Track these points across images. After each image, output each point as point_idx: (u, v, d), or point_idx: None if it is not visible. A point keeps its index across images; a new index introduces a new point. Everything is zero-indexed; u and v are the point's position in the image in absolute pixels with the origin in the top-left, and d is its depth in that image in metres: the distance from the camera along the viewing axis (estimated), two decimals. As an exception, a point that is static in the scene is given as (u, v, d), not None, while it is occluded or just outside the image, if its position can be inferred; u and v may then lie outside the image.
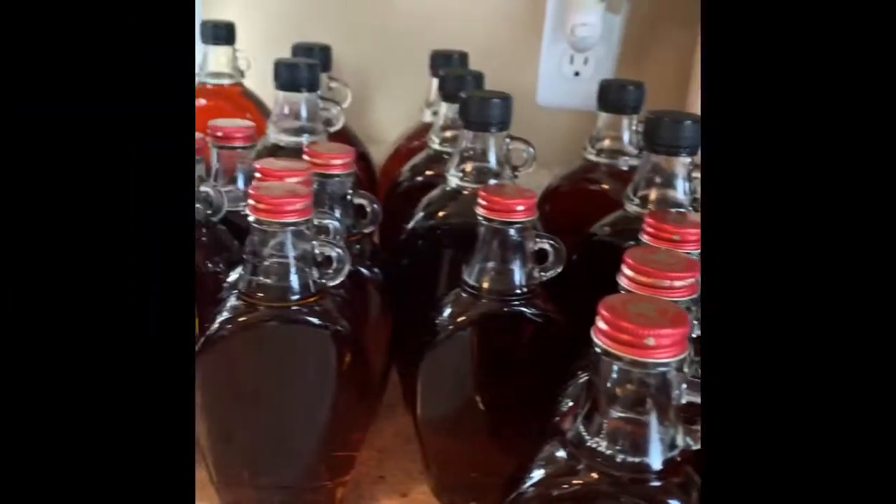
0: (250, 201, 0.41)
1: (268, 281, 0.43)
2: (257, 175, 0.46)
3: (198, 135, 0.53)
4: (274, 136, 0.60)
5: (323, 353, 0.44)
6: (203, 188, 0.52)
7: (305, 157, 0.50)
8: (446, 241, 0.53)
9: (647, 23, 0.76)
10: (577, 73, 0.78)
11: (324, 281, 0.44)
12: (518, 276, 0.45)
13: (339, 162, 0.49)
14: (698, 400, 0.30)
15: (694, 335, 0.36)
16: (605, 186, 0.60)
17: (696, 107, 0.70)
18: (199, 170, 0.54)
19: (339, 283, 0.45)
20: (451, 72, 0.61)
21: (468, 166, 0.52)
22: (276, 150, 0.60)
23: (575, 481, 0.31)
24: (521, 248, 0.45)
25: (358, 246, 0.53)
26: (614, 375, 0.30)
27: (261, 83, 0.74)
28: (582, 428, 0.31)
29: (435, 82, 0.68)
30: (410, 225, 0.54)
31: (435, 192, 0.55)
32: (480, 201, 0.44)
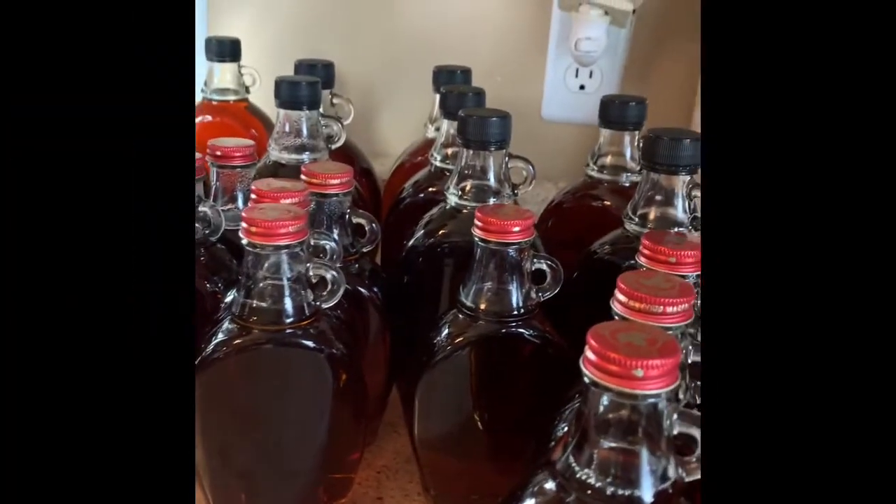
0: (243, 224, 0.41)
1: (262, 304, 0.42)
2: (252, 196, 0.46)
3: (197, 154, 0.53)
4: (275, 153, 0.60)
5: (318, 376, 0.44)
6: (202, 208, 0.52)
7: (303, 176, 0.49)
8: (446, 259, 0.52)
9: (653, 37, 0.75)
10: (582, 87, 0.77)
11: (319, 303, 0.44)
12: (515, 296, 0.45)
13: (336, 181, 0.49)
14: (691, 431, 0.30)
15: (689, 360, 0.36)
16: (607, 203, 0.59)
17: (701, 121, 0.69)
18: (199, 189, 0.54)
19: (336, 304, 0.45)
20: (452, 88, 0.61)
21: (467, 184, 0.52)
22: (277, 168, 0.60)
23: (564, 514, 0.30)
24: (518, 269, 0.45)
25: (357, 265, 0.53)
26: (603, 406, 0.29)
27: (267, 99, 0.74)
28: (572, 458, 0.30)
29: (438, 98, 0.68)
30: (410, 243, 0.54)
31: (435, 211, 0.54)
32: (477, 222, 0.44)
